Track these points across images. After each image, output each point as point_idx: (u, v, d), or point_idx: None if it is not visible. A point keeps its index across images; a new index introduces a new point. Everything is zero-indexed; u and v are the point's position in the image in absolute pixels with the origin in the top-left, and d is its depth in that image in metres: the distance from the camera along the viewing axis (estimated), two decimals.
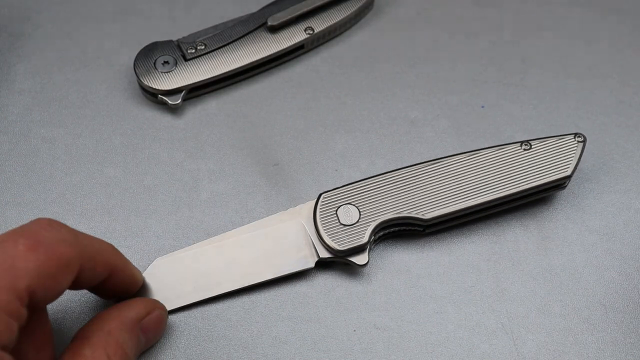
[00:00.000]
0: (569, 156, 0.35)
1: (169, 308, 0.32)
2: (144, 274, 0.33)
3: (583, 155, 0.35)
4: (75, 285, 0.27)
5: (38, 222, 0.26)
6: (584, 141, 0.35)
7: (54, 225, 0.26)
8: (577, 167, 0.35)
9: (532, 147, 0.35)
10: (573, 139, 0.35)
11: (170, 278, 0.33)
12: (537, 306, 0.34)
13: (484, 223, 0.36)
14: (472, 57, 0.42)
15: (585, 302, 0.34)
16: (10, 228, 0.35)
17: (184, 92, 0.39)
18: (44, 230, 0.26)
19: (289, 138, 0.39)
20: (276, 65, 0.41)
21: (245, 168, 0.38)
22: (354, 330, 0.33)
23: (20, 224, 0.35)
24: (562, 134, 0.36)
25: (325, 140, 0.39)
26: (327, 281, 0.34)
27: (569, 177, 0.35)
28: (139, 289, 0.32)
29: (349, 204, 0.34)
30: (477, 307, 0.34)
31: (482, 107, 0.40)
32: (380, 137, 0.39)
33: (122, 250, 0.34)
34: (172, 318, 0.33)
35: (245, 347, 0.32)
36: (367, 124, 0.39)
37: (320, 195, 0.34)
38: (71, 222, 0.35)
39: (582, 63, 0.42)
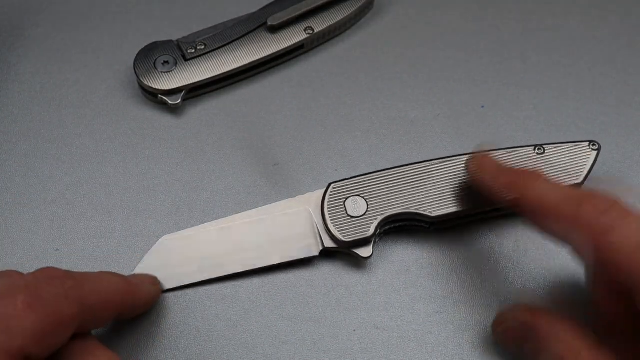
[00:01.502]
0: (581, 163, 0.34)
1: (172, 286, 0.33)
2: (150, 252, 0.34)
3: None
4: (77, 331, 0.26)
5: (41, 273, 0.25)
6: (599, 149, 0.35)
7: (57, 278, 0.25)
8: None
9: (546, 151, 0.35)
10: (587, 147, 0.35)
11: (176, 257, 0.34)
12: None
13: (484, 222, 0.36)
14: (472, 57, 0.42)
15: (585, 302, 0.34)
16: (10, 228, 0.35)
17: (183, 92, 0.39)
18: (45, 285, 0.25)
19: (288, 138, 0.39)
20: (276, 65, 0.41)
21: (245, 168, 0.38)
22: (354, 330, 0.33)
23: (21, 224, 0.35)
24: (577, 140, 0.35)
25: (325, 140, 0.39)
26: (327, 282, 0.34)
27: (580, 185, 0.34)
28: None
29: (357, 195, 0.34)
30: (477, 307, 0.34)
31: (482, 107, 0.40)
32: (380, 137, 0.39)
33: (123, 250, 0.35)
34: (173, 318, 0.33)
35: (245, 346, 0.32)
36: (367, 123, 0.39)
37: (330, 185, 0.34)
38: (71, 223, 0.35)
39: (582, 63, 0.42)
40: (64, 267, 0.33)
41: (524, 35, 0.43)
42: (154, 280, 0.33)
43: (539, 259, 0.35)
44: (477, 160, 0.33)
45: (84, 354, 0.26)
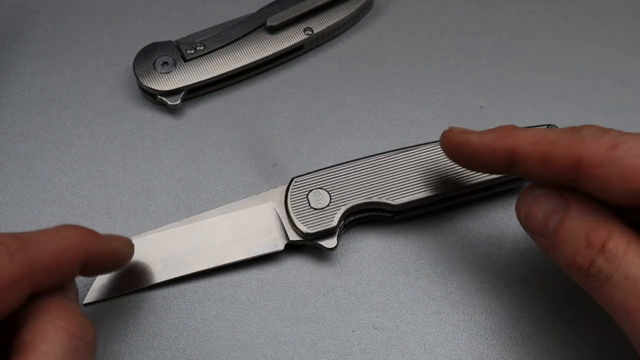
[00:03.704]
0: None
1: (139, 286, 0.33)
2: None
3: None
4: (38, 290, 0.26)
5: None
6: None
7: (1, 243, 0.25)
8: None
9: None
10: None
11: (141, 258, 0.34)
12: (536, 307, 0.34)
13: (483, 224, 0.36)
14: (471, 58, 0.42)
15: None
16: (9, 229, 0.35)
17: (183, 92, 0.39)
18: None
19: (288, 138, 0.39)
20: (275, 66, 0.41)
21: (245, 168, 0.38)
22: (353, 331, 0.33)
23: (20, 225, 0.35)
24: (535, 125, 0.36)
25: (324, 141, 0.39)
26: (326, 282, 0.34)
27: None
28: None
29: (320, 188, 0.34)
30: (475, 307, 0.34)
31: (481, 107, 0.40)
32: (379, 137, 0.39)
33: None
34: (172, 319, 0.33)
35: (245, 347, 0.33)
36: (367, 124, 0.39)
37: (293, 179, 0.34)
38: (70, 223, 0.35)
39: (581, 64, 0.42)
40: None
41: (523, 36, 0.43)
42: (127, 240, 0.32)
43: (537, 258, 0.35)
44: (455, 129, 0.31)
45: (38, 314, 0.25)
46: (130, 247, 0.32)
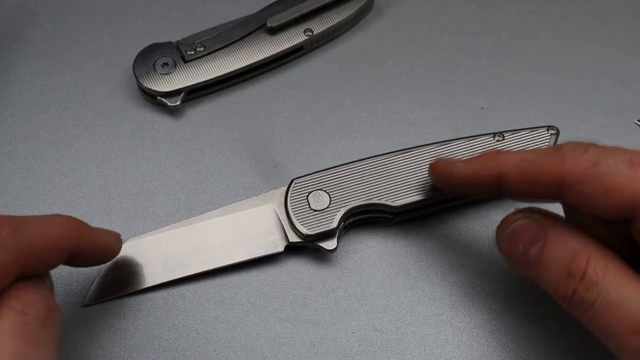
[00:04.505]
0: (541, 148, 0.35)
1: (139, 288, 0.33)
2: None
3: None
4: (25, 275, 0.26)
5: None
6: (557, 134, 0.35)
7: None
8: None
9: (505, 138, 0.35)
10: (546, 132, 0.35)
11: (141, 259, 0.34)
12: (536, 308, 0.34)
13: (483, 225, 0.36)
14: (471, 59, 0.42)
15: None
16: None
17: (183, 93, 0.39)
18: None
19: (288, 140, 0.39)
20: (275, 67, 0.41)
21: (245, 169, 0.38)
22: (353, 333, 0.33)
23: None
24: (536, 126, 0.36)
25: (324, 142, 0.39)
26: (326, 283, 0.34)
27: None
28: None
29: (320, 189, 0.34)
30: (476, 309, 0.34)
31: (482, 108, 0.40)
32: (380, 138, 0.39)
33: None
34: (172, 320, 0.33)
35: (244, 349, 0.33)
36: (367, 125, 0.39)
37: (293, 180, 0.34)
38: None
39: (581, 64, 0.42)
40: (64, 269, 0.33)
41: (523, 36, 0.43)
42: (116, 235, 0.32)
43: None
44: (441, 161, 0.32)
45: (14, 297, 0.25)
46: (119, 241, 0.32)
